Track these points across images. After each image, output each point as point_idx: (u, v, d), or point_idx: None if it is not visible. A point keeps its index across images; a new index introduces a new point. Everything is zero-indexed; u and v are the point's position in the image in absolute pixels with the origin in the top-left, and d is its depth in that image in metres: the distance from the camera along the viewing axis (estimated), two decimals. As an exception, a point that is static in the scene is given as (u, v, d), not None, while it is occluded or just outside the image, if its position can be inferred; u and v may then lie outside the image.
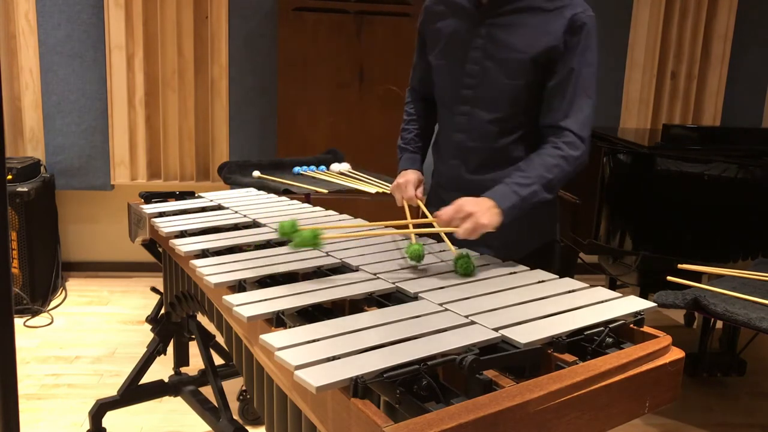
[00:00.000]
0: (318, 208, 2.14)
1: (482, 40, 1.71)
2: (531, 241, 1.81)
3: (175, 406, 2.70)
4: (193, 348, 2.45)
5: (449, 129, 1.81)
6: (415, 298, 1.34)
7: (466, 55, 1.73)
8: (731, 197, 2.80)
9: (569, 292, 1.38)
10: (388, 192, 1.94)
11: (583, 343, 1.16)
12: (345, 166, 3.06)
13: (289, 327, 1.23)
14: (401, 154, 1.95)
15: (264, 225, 1.92)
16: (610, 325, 1.21)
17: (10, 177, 3.56)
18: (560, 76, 1.65)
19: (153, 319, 2.45)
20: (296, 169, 2.99)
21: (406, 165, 1.90)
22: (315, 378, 0.98)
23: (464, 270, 1.47)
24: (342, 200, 2.79)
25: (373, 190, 2.65)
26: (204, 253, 1.67)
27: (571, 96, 1.64)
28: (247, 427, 2.45)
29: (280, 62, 3.73)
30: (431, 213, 1.80)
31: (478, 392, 1.00)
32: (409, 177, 1.83)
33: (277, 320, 1.25)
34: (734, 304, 2.04)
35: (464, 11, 1.75)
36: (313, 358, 1.04)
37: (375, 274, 1.47)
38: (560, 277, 1.47)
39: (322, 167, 3.07)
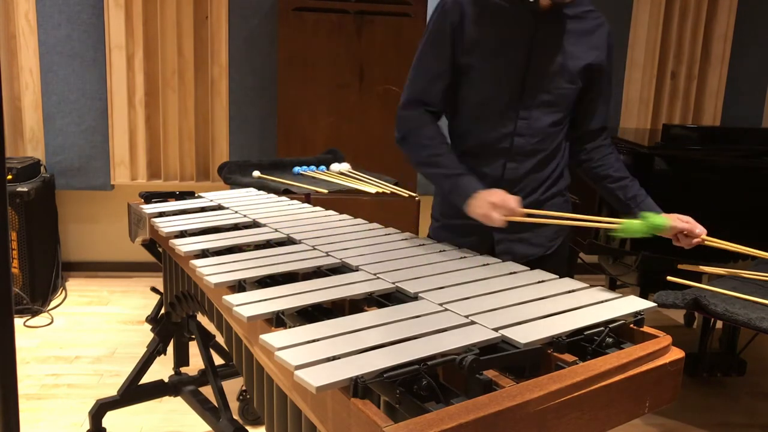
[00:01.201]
0: (318, 208, 2.14)
1: (541, 45, 1.74)
2: (560, 235, 1.94)
3: (175, 406, 2.70)
4: (193, 348, 2.46)
5: (506, 134, 1.78)
6: (415, 298, 1.34)
7: (526, 59, 1.74)
8: (731, 197, 2.79)
9: (569, 292, 1.38)
10: (416, 198, 1.91)
11: (583, 343, 1.16)
12: (345, 166, 3.06)
13: (289, 327, 1.23)
14: (459, 178, 1.73)
15: (264, 225, 1.92)
16: (610, 325, 1.21)
17: (10, 177, 3.56)
18: (604, 85, 1.86)
19: (153, 319, 2.45)
20: (296, 169, 2.99)
21: (476, 185, 1.70)
22: (315, 378, 0.98)
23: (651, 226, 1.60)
24: (342, 200, 2.79)
25: (373, 190, 2.65)
26: (204, 253, 1.67)
27: (609, 101, 1.92)
28: (247, 427, 2.45)
29: (280, 62, 3.73)
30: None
31: (478, 392, 1.00)
32: (500, 195, 1.65)
33: (277, 320, 1.25)
34: (734, 304, 2.04)
35: (513, 15, 1.73)
36: (313, 358, 1.04)
37: (375, 274, 1.47)
38: (560, 277, 1.47)
39: (322, 167, 3.07)
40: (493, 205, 1.64)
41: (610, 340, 1.18)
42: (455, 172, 1.74)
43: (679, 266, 2.02)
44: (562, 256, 1.95)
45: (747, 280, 2.23)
